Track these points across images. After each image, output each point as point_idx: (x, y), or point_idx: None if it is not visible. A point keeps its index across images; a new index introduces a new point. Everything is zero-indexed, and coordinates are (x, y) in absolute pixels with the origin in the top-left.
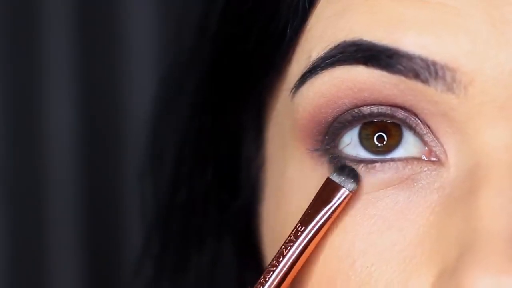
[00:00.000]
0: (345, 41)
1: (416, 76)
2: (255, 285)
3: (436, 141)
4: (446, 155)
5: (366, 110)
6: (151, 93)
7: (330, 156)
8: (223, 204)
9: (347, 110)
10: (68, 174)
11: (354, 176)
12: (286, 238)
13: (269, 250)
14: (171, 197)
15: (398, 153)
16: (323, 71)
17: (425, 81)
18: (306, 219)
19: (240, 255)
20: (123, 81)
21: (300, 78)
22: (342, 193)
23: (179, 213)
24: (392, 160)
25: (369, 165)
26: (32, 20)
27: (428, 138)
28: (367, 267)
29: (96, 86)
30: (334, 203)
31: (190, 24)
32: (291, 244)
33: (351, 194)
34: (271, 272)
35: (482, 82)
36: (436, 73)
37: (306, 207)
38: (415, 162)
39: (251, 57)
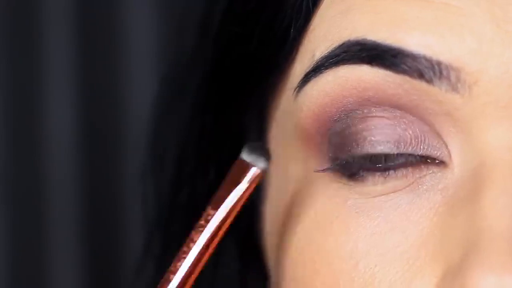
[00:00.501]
0: (349, 40)
1: (421, 75)
2: (165, 274)
3: (440, 142)
4: (450, 156)
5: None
6: (151, 93)
7: (332, 153)
8: None
9: (352, 110)
10: (68, 174)
11: (266, 155)
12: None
13: (270, 250)
14: (173, 197)
15: (403, 158)
16: (327, 70)
17: (429, 81)
18: (216, 202)
19: (242, 255)
20: (123, 81)
21: (304, 77)
22: (254, 172)
23: (181, 213)
24: (404, 165)
25: (378, 173)
26: (32, 20)
27: (433, 140)
28: (371, 268)
29: (96, 86)
30: (245, 184)
31: (190, 24)
32: (202, 229)
33: (262, 173)
34: (182, 260)
35: (487, 82)
36: (441, 72)
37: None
38: (422, 166)
39: (253, 57)
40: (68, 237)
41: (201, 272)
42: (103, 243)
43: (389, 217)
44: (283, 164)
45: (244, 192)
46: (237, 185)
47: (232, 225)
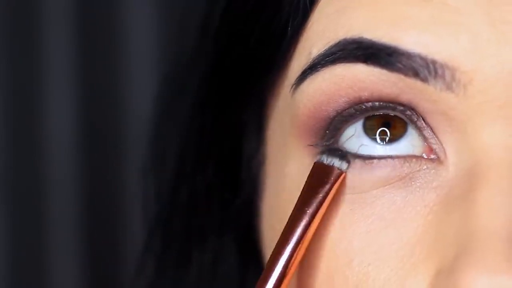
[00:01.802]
0: (345, 39)
1: (416, 74)
2: (267, 263)
3: (435, 138)
4: (445, 154)
5: (368, 104)
6: (151, 93)
7: (330, 152)
8: (225, 201)
9: (348, 108)
10: (68, 174)
11: (343, 156)
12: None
13: (268, 246)
14: (173, 195)
15: (401, 146)
16: (323, 68)
17: (424, 80)
18: (306, 202)
19: (242, 252)
20: (123, 81)
21: (300, 74)
22: (337, 173)
23: (181, 211)
24: (390, 157)
25: (367, 161)
26: (32, 20)
27: (429, 134)
28: (365, 266)
29: (96, 86)
30: (330, 184)
31: (190, 24)
32: (296, 227)
33: (344, 173)
34: (284, 248)
35: (482, 81)
36: (436, 71)
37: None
38: (414, 160)
39: (252, 55)
40: (68, 237)
41: (200, 270)
42: (103, 243)
43: (384, 215)
44: (280, 161)
45: (327, 193)
46: (324, 186)
47: (231, 223)
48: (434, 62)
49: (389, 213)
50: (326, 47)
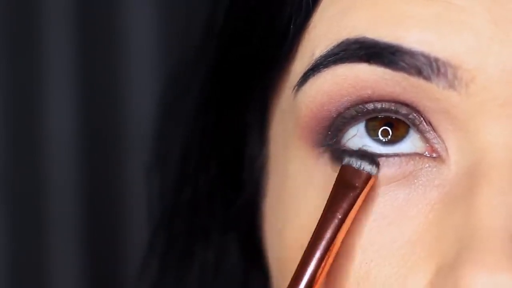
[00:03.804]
0: (348, 39)
1: (419, 73)
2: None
3: (437, 138)
4: (447, 152)
5: (369, 105)
6: (151, 93)
7: (332, 152)
8: (228, 201)
9: (350, 108)
10: (68, 174)
11: (373, 160)
12: (319, 228)
13: (270, 246)
14: (176, 195)
15: (403, 147)
16: (325, 69)
17: (427, 78)
18: (336, 205)
19: (244, 252)
20: (123, 81)
21: (303, 76)
22: (366, 177)
23: (184, 211)
24: (397, 155)
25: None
26: (32, 20)
27: (430, 135)
28: (366, 263)
29: (96, 86)
30: (361, 188)
31: (190, 24)
32: (327, 230)
33: (374, 177)
34: (312, 257)
35: (484, 79)
36: (438, 69)
37: (307, 204)
38: (417, 158)
39: (255, 55)
40: (68, 237)
41: (203, 269)
42: (103, 243)
43: (386, 212)
44: (282, 162)
45: (357, 196)
46: (355, 190)
47: (234, 223)
48: (437, 60)
49: (392, 211)
50: (329, 48)
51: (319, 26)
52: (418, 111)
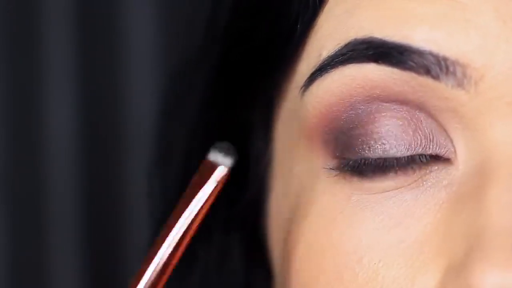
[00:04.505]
0: (355, 39)
1: (427, 72)
2: (136, 274)
3: (447, 139)
4: (455, 152)
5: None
6: (151, 93)
7: (339, 153)
8: (231, 200)
9: (359, 109)
10: (68, 175)
11: (231, 154)
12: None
13: (275, 246)
14: (178, 195)
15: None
16: (333, 70)
17: (436, 77)
18: (185, 201)
19: (248, 251)
20: (123, 81)
21: (310, 76)
22: (220, 172)
23: None
24: (404, 165)
25: (380, 163)
26: (32, 20)
27: (440, 137)
28: (375, 263)
29: (96, 86)
30: (212, 183)
31: (191, 24)
32: (170, 228)
33: (228, 170)
34: (151, 261)
35: (492, 77)
36: (447, 68)
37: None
38: (428, 163)
39: (260, 54)
40: (68, 237)
41: (206, 268)
42: (103, 243)
43: (394, 213)
44: (288, 163)
45: (212, 191)
46: (205, 184)
47: (237, 222)
48: (445, 59)
49: (399, 211)
50: (336, 48)
51: (325, 25)
52: (425, 111)
